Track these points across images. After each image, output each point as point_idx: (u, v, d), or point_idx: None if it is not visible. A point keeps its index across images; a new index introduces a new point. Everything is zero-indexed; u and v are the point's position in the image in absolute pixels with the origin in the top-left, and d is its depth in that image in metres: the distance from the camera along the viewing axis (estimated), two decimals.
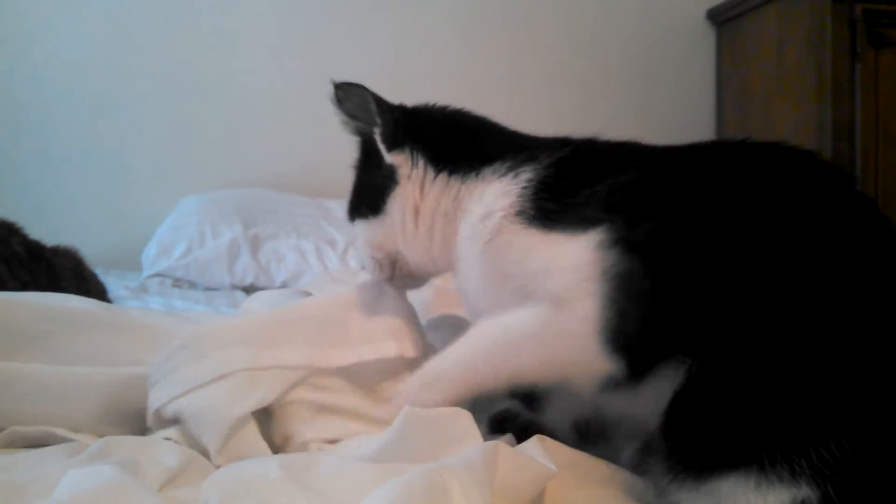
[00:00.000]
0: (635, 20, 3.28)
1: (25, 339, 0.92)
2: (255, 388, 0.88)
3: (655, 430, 0.84)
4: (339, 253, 2.59)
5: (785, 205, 0.82)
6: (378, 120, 1.02)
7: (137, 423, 0.91)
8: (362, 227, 1.06)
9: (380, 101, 1.03)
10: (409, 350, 1.01)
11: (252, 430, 0.86)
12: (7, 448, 0.86)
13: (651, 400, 0.84)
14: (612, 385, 0.84)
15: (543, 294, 0.87)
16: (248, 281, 2.56)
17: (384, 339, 1.01)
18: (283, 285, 2.54)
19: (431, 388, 0.91)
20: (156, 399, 0.87)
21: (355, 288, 1.09)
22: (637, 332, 0.81)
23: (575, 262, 0.84)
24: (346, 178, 1.10)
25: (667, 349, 0.81)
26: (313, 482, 0.74)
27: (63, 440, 0.87)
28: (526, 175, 0.92)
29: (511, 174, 0.93)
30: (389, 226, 1.03)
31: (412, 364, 1.00)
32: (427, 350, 1.04)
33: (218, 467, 0.82)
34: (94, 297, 1.61)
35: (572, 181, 0.90)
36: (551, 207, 0.88)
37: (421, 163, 1.01)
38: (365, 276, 1.18)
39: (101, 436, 0.88)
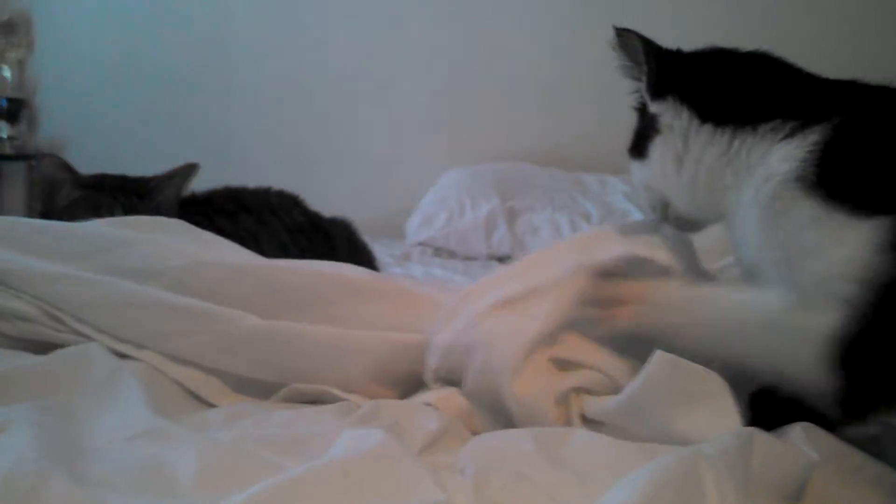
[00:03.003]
0: None
1: (310, 303, 1.00)
2: (536, 313, 0.90)
3: None
4: (594, 227, 2.57)
5: None
6: (645, 65, 1.00)
7: (403, 385, 0.97)
8: (635, 168, 1.05)
9: (648, 48, 1.00)
10: (679, 267, 0.97)
11: (543, 363, 0.89)
12: (287, 402, 0.96)
13: None
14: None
15: (800, 278, 0.82)
16: (504, 251, 2.61)
17: (657, 248, 0.99)
18: None
19: None
20: (442, 340, 0.94)
21: (629, 223, 1.09)
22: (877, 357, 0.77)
23: (847, 255, 0.77)
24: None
25: None
26: (565, 457, 0.75)
27: (336, 399, 0.94)
28: (813, 136, 0.84)
29: (797, 135, 0.86)
30: (653, 172, 1.01)
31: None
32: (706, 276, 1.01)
33: (512, 398, 0.86)
34: (365, 264, 1.74)
35: (868, 145, 0.82)
36: (837, 176, 0.81)
37: (685, 113, 0.96)
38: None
39: (370, 395, 0.95)
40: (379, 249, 2.49)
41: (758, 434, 0.72)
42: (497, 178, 2.78)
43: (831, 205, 0.80)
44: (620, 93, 1.08)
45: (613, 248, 0.97)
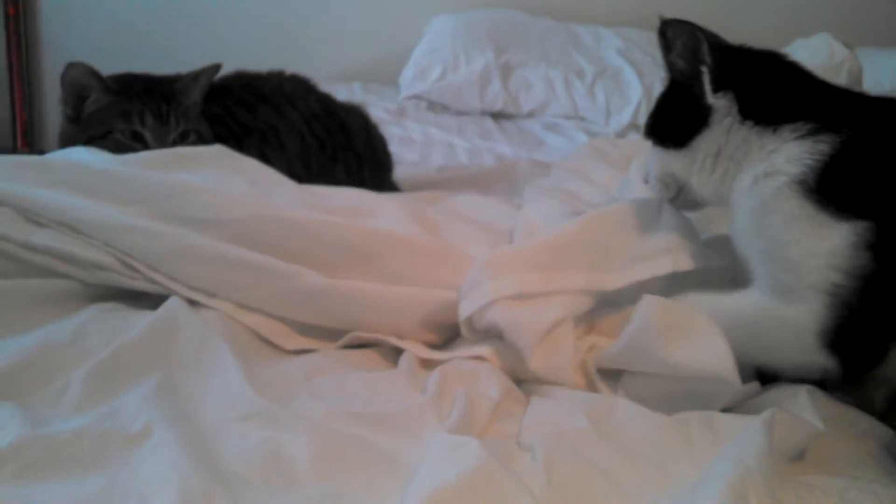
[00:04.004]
0: None
1: (364, 257, 1.08)
2: (550, 307, 1.01)
3: None
4: (587, 85, 2.61)
5: None
6: (708, 59, 1.02)
7: (449, 331, 1.08)
8: (659, 155, 1.10)
9: (711, 39, 1.03)
10: (685, 263, 1.07)
11: (563, 337, 1.01)
12: (346, 346, 1.07)
13: None
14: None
15: (780, 269, 0.93)
16: (497, 107, 2.66)
17: (659, 256, 1.08)
18: (531, 114, 2.64)
19: None
20: (465, 309, 1.03)
21: (632, 205, 1.17)
22: (863, 335, 0.90)
23: (829, 247, 0.89)
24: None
25: None
26: (613, 431, 0.87)
27: (392, 345, 1.06)
28: (822, 146, 0.92)
29: (809, 140, 0.94)
30: (688, 162, 1.06)
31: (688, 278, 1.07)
32: (709, 261, 1.10)
33: (533, 373, 0.99)
34: (378, 152, 1.80)
35: (867, 163, 0.91)
36: (834, 185, 0.90)
37: (735, 109, 1.01)
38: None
39: (421, 340, 1.06)
40: (374, 103, 2.52)
41: (779, 415, 0.84)
42: (490, 29, 2.77)
43: (821, 207, 0.90)
44: None
45: (620, 276, 1.07)
